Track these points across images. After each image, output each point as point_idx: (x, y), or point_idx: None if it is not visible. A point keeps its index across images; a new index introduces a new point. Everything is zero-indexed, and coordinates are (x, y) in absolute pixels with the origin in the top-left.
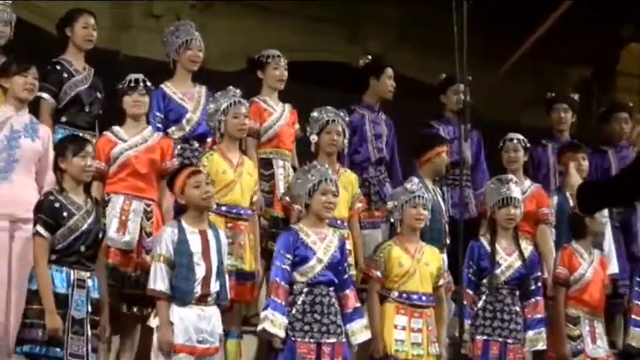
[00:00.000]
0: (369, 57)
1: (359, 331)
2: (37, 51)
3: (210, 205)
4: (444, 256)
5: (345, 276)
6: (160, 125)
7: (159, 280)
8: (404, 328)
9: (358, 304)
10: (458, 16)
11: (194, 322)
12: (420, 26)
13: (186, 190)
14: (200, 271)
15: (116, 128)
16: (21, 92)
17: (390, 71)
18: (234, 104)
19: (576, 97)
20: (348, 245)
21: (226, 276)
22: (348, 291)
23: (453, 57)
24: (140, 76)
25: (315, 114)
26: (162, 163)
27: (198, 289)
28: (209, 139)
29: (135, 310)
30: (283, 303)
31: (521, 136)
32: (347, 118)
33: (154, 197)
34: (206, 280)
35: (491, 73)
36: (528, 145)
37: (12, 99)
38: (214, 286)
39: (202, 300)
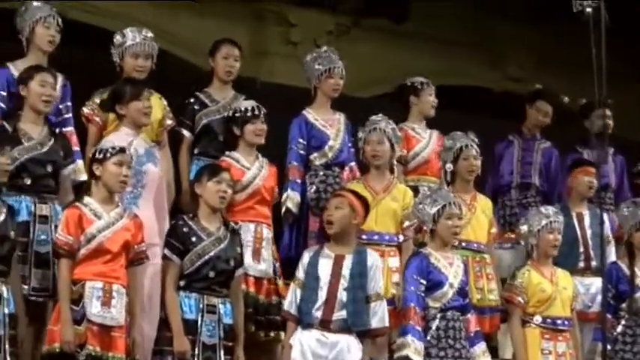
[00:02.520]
0: (538, 86)
1: (481, 355)
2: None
3: (328, 231)
4: (593, 279)
5: (467, 299)
6: (302, 152)
7: (289, 302)
8: (550, 353)
9: (478, 328)
10: (596, 39)
11: (313, 347)
12: (560, 49)
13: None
14: (322, 295)
15: (236, 155)
16: (140, 118)
17: (540, 105)
18: (370, 132)
19: None
20: (491, 270)
21: (372, 303)
22: (469, 315)
23: (593, 80)
24: (254, 103)
25: (447, 142)
26: (275, 189)
27: (318, 314)
28: (347, 167)
29: (272, 335)
30: (420, 329)
31: None
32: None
33: (271, 223)
34: (328, 305)
35: (633, 95)
36: None
37: (130, 125)
38: (339, 313)
39: (324, 325)
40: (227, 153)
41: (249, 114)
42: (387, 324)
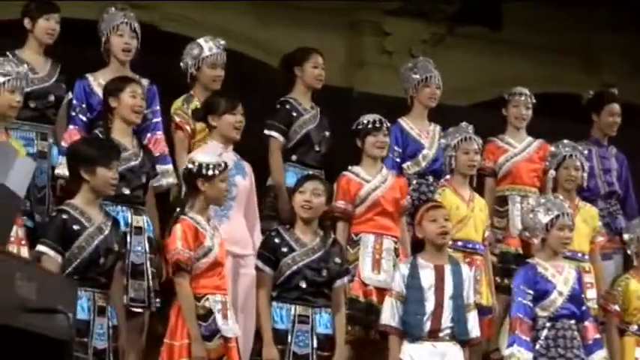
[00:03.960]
0: (591, 93)
1: None
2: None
3: (443, 241)
4: None
5: (584, 307)
6: (398, 160)
7: (389, 315)
8: None
9: (598, 335)
10: None
11: (425, 359)
12: None
13: (424, 224)
14: (429, 306)
15: (356, 168)
16: (231, 131)
17: (610, 108)
18: (465, 140)
19: None
20: (590, 279)
21: (469, 313)
22: (587, 322)
23: None
24: (377, 116)
25: (552, 149)
26: (402, 201)
27: (427, 324)
28: (447, 177)
29: None
30: (528, 339)
31: None
32: (585, 152)
33: (398, 235)
34: (436, 315)
35: None
36: None
37: (219, 137)
38: (447, 321)
39: (433, 335)
40: (349, 167)
41: (370, 126)
42: (479, 334)
